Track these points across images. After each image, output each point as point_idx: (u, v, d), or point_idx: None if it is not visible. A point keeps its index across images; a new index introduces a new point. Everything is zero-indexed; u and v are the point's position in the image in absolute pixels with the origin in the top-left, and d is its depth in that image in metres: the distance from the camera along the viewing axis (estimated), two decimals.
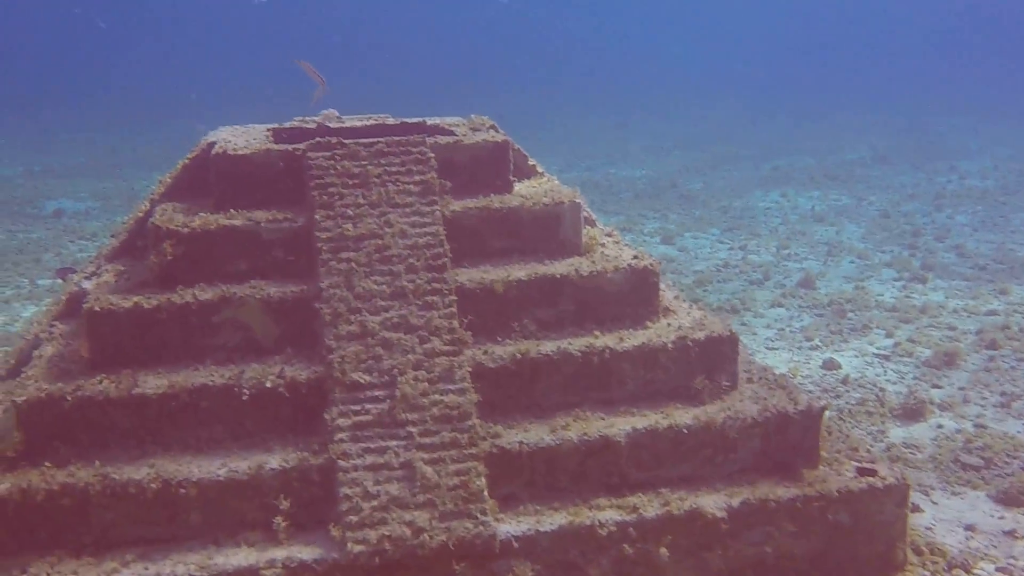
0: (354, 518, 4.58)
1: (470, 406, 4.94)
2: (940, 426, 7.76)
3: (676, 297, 6.14)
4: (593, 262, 5.74)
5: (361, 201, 5.60)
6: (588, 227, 6.14)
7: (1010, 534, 6.02)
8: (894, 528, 5.26)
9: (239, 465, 4.82)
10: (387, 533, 4.54)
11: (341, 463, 4.73)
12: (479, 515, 4.64)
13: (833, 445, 5.65)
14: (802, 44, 56.65)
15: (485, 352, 5.28)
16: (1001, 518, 6.24)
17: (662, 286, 5.87)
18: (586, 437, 5.06)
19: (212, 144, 6.12)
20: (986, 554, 5.78)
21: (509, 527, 4.77)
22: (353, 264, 5.35)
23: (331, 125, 6.38)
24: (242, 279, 5.49)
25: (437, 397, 4.95)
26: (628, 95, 39.80)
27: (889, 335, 10.14)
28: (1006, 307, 11.10)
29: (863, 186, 19.95)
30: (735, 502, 5.01)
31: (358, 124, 6.36)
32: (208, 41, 55.97)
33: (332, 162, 5.73)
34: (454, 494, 4.68)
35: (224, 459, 4.89)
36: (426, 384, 4.98)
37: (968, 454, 7.16)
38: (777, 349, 9.82)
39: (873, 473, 5.24)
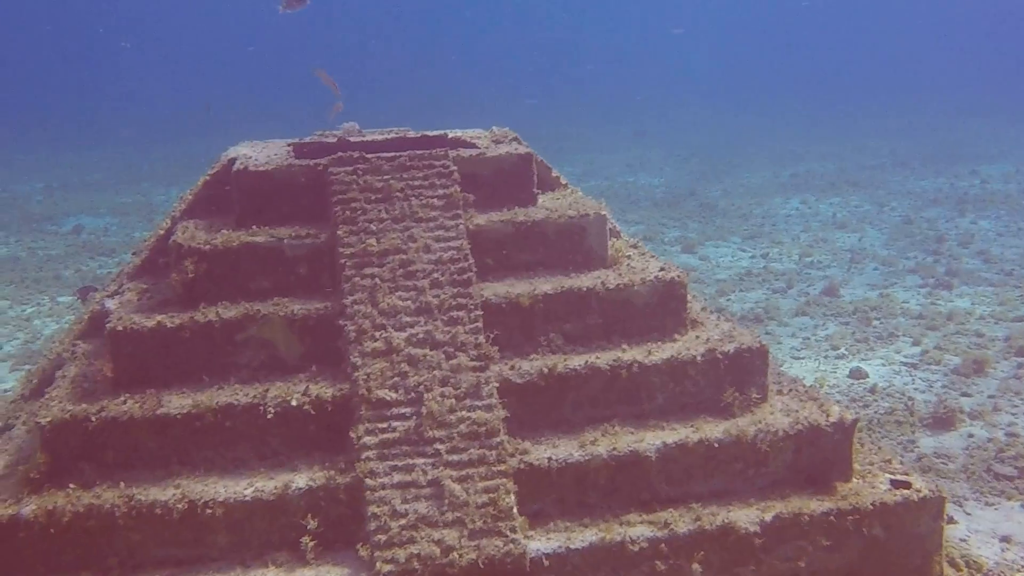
0: (382, 537, 4.52)
1: (498, 422, 4.88)
2: (971, 435, 7.65)
3: (703, 309, 6.06)
4: (620, 274, 5.67)
5: (384, 216, 5.56)
6: (613, 239, 6.08)
7: None
8: (930, 541, 5.15)
9: (265, 485, 4.78)
10: (416, 552, 4.48)
11: (368, 481, 4.68)
12: (509, 533, 4.58)
13: (865, 457, 5.55)
14: (821, 49, 56.59)
15: (512, 367, 5.22)
16: None
17: (689, 298, 5.80)
18: (616, 452, 4.98)
19: (232, 160, 6.09)
20: (1023, 566, 5.68)
21: (539, 544, 4.69)
22: (377, 280, 5.30)
23: (352, 139, 6.32)
24: (265, 296, 5.46)
25: (464, 414, 4.90)
26: (645, 104, 39.76)
27: (916, 343, 10.03)
28: None
29: (884, 192, 19.81)
30: (768, 516, 4.92)
31: (379, 138, 6.30)
32: (220, 51, 56.57)
33: (354, 177, 5.70)
34: (483, 512, 4.62)
35: (250, 479, 4.85)
36: (453, 400, 4.92)
37: (1001, 464, 7.06)
38: (803, 358, 9.72)
39: (908, 486, 5.15)
